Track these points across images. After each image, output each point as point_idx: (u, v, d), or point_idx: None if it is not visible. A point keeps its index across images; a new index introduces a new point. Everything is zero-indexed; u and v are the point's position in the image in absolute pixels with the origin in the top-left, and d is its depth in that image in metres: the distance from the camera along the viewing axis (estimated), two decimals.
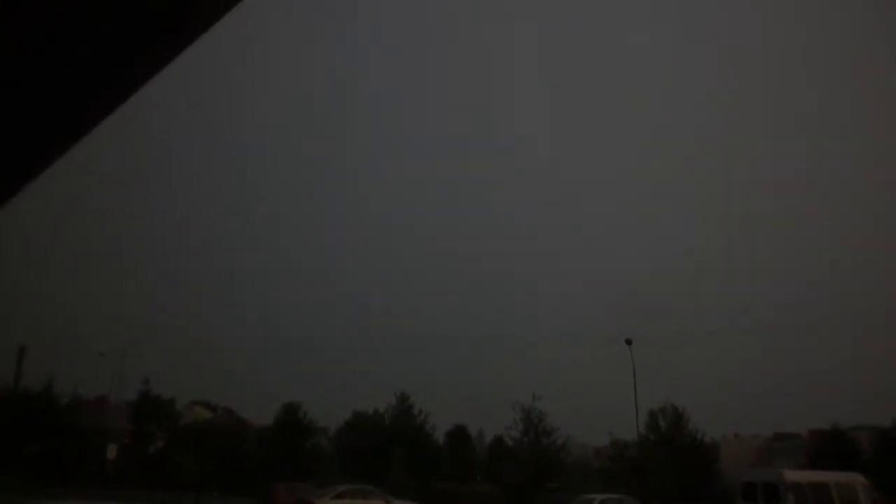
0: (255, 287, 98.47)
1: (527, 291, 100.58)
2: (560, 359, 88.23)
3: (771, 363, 79.90)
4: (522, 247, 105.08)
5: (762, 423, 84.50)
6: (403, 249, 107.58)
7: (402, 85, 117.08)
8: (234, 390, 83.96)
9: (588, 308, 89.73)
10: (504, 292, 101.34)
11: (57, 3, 1.29)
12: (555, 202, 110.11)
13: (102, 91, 1.50)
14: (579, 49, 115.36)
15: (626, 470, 47.64)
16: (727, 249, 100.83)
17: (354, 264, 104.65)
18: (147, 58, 1.46)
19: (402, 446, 51.17)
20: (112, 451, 39.69)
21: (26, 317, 75.52)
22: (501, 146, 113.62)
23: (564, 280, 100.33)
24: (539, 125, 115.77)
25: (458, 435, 59.48)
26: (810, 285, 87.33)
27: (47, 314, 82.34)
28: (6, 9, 1.26)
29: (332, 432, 59.34)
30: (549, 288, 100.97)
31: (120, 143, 64.88)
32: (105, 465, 39.35)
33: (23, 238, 62.10)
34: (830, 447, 48.55)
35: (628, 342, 44.83)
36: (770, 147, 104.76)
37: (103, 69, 1.44)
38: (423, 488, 47.48)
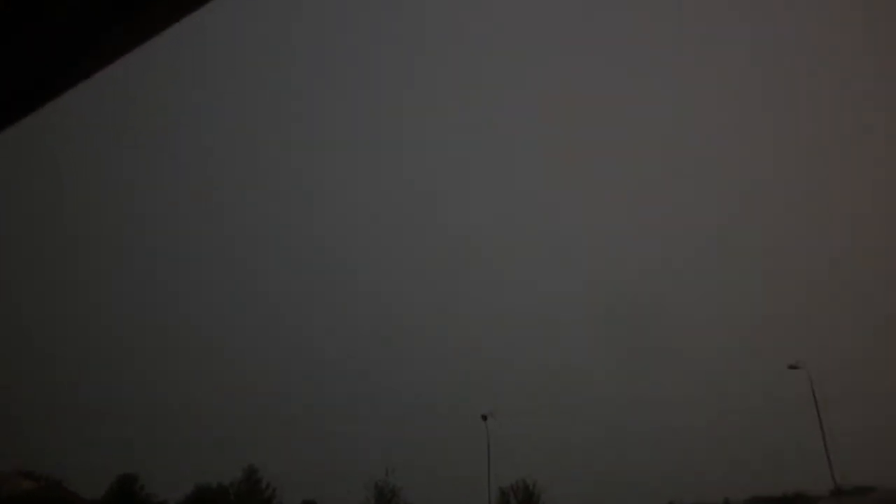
0: (101, 335, 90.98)
1: (393, 356, 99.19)
2: (423, 430, 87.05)
3: (619, 435, 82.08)
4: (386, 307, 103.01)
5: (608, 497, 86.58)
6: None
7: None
8: (72, 458, 76.14)
9: (455, 381, 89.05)
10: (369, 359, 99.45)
11: None
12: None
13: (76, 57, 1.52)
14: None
15: None
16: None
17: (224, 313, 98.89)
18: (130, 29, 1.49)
19: None
20: None
21: None
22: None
23: (427, 345, 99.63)
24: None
25: None
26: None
27: None
28: None
29: None
30: (415, 354, 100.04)
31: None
32: None
33: None
34: None
35: (484, 418, 45.07)
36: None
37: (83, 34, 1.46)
38: None
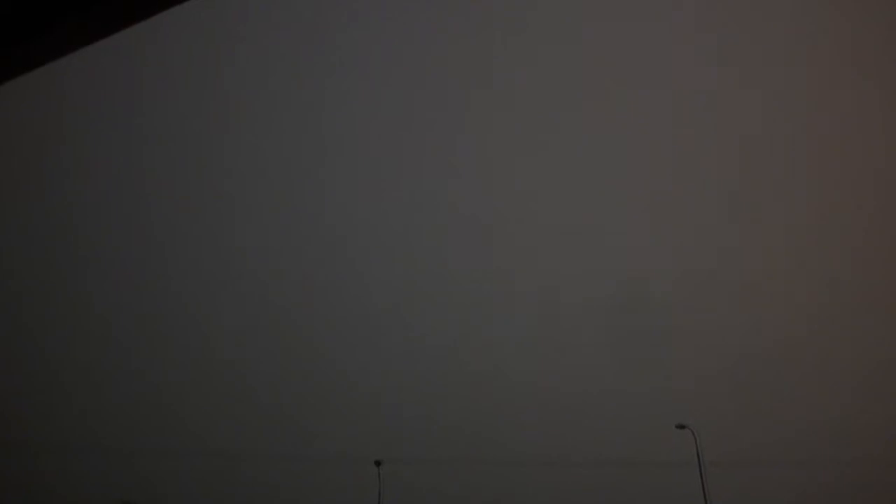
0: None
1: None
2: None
3: None
4: None
5: None
6: None
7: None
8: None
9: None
10: None
11: None
12: None
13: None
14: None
15: None
16: None
17: None
18: None
19: None
20: None
21: None
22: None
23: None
24: None
25: None
26: None
27: None
28: None
29: None
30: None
31: None
32: None
33: None
34: None
35: (377, 463, 42.47)
36: None
37: None
38: None
